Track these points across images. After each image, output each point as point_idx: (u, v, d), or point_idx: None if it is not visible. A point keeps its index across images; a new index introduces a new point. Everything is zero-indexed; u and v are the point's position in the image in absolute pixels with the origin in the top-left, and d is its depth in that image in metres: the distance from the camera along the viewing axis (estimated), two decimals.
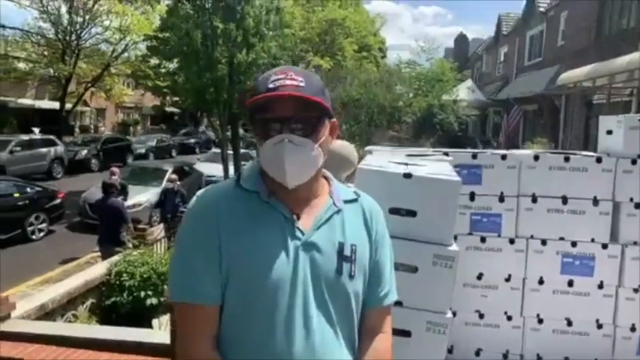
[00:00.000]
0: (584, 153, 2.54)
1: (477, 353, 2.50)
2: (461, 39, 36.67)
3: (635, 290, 2.40)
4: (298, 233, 1.10)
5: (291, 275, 1.06)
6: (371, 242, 1.19)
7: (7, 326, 3.78)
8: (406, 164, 1.77)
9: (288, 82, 1.06)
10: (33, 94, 25.61)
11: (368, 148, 2.50)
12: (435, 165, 1.87)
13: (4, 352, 3.40)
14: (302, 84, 1.07)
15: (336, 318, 1.10)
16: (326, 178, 1.21)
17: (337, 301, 1.10)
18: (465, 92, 21.45)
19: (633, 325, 2.42)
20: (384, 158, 1.89)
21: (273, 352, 1.04)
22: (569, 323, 2.47)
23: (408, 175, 1.64)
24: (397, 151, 2.45)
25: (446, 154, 2.39)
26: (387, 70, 21.56)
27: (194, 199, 1.15)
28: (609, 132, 2.57)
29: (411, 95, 20.12)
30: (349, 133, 16.57)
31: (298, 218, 1.11)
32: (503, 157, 2.43)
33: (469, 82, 23.39)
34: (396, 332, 1.39)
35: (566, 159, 2.40)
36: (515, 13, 23.75)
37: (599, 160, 2.39)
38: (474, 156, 2.44)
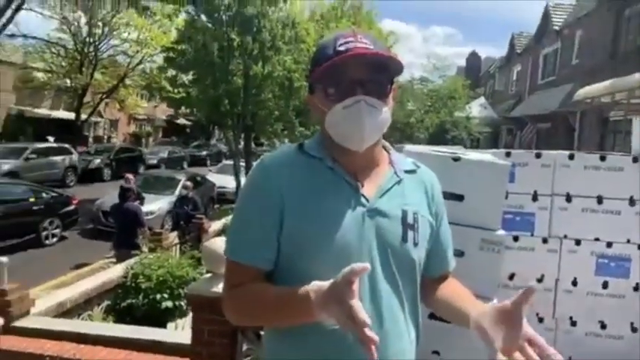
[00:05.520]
0: (621, 153, 2.51)
1: None
2: (473, 57, 36.84)
3: None
4: (363, 200, 1.08)
5: (358, 240, 1.05)
6: (431, 213, 1.18)
7: (26, 322, 3.79)
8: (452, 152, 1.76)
9: (359, 44, 1.04)
10: (49, 104, 26.01)
11: (400, 145, 2.49)
12: (479, 154, 1.85)
13: (24, 346, 3.40)
14: (371, 47, 1.05)
15: (401, 283, 1.09)
16: (384, 147, 1.20)
17: (403, 267, 1.09)
18: (477, 109, 21.49)
19: None
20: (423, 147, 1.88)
21: None
22: (603, 326, 2.41)
23: (456, 159, 1.62)
24: (431, 148, 2.44)
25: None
26: (399, 86, 21.67)
27: (256, 164, 1.15)
28: None
29: (422, 112, 20.17)
30: None
31: (362, 186, 1.10)
32: (538, 155, 2.40)
33: (481, 100, 23.45)
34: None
35: (602, 158, 2.37)
36: (528, 32, 23.87)
37: (635, 159, 2.36)
38: (508, 154, 2.41)
